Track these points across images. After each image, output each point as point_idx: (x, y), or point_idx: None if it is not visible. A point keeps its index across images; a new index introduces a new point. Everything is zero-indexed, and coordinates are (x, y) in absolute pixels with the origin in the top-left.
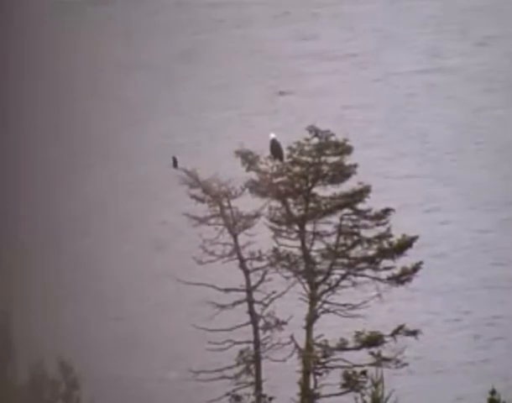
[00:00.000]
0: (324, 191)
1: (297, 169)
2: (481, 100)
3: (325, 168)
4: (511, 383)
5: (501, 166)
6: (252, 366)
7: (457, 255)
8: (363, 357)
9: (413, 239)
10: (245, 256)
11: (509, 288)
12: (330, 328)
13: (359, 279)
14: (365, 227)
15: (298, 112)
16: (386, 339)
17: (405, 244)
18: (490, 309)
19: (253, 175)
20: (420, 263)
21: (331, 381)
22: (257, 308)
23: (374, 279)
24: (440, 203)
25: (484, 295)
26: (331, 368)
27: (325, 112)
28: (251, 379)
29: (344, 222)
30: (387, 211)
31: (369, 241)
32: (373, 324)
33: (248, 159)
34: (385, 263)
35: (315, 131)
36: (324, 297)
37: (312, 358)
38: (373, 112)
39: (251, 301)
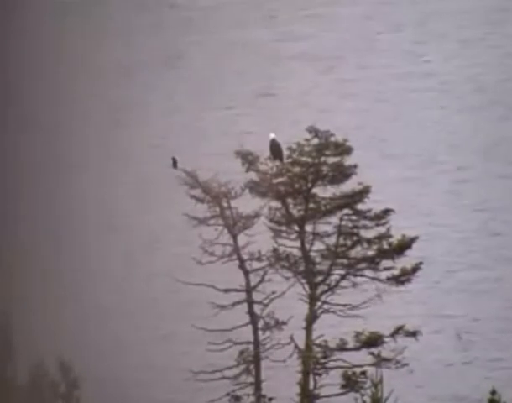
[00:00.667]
0: (324, 192)
1: (297, 169)
2: (469, 101)
3: (325, 168)
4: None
5: (488, 167)
6: (251, 366)
7: (442, 256)
8: (363, 357)
9: (413, 240)
10: (245, 256)
11: (490, 290)
12: (330, 328)
13: (359, 279)
14: (365, 227)
15: (291, 112)
16: (386, 340)
17: (405, 245)
18: (472, 311)
19: (253, 176)
20: (420, 263)
21: (330, 382)
22: (256, 308)
23: (374, 279)
24: (424, 206)
25: (466, 297)
26: (331, 368)
27: (316, 112)
28: (251, 379)
29: (344, 223)
30: (387, 212)
31: (369, 241)
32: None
33: (248, 159)
34: (385, 263)
35: (314, 131)
36: (324, 297)
37: (312, 359)
38: (361, 114)
39: (251, 302)
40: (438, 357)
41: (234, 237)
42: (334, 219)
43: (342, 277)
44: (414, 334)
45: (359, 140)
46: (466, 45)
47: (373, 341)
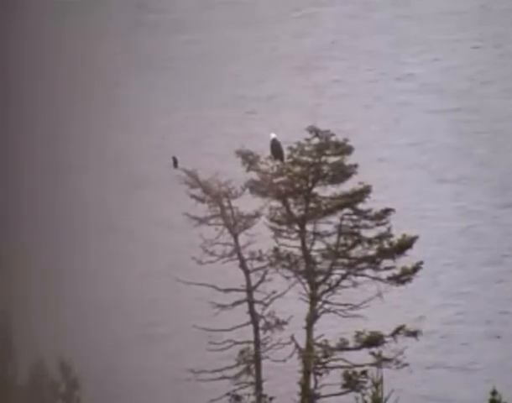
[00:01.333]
0: (324, 191)
1: (297, 169)
2: (462, 103)
3: (325, 168)
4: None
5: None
6: (252, 366)
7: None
8: (363, 357)
9: (413, 240)
10: (245, 256)
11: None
12: (330, 328)
13: (360, 279)
14: (365, 227)
15: (289, 112)
16: (386, 339)
17: (406, 244)
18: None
19: (254, 175)
20: (421, 263)
21: (331, 381)
22: (257, 308)
23: (375, 279)
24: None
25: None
26: (332, 368)
27: (312, 112)
28: (251, 379)
29: (344, 222)
30: (387, 212)
31: (370, 241)
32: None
33: (249, 159)
34: (386, 263)
35: (315, 131)
36: (324, 297)
37: (313, 358)
38: (356, 115)
39: (251, 301)
40: (431, 358)
41: (235, 236)
42: (335, 219)
43: (343, 277)
44: (414, 334)
45: (356, 140)
46: (458, 46)
47: (373, 340)
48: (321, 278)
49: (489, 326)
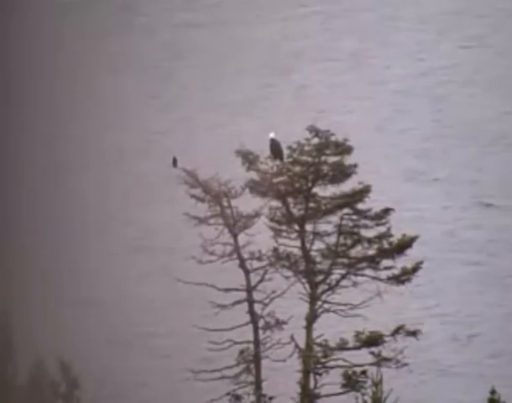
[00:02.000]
0: (324, 191)
1: (297, 168)
2: (459, 101)
3: (325, 168)
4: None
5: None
6: (252, 366)
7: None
8: (363, 357)
9: (413, 239)
10: (245, 256)
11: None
12: (330, 328)
13: (359, 278)
14: (365, 226)
15: (290, 112)
16: (386, 339)
17: (405, 244)
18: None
19: (254, 175)
20: (421, 262)
21: (331, 381)
22: (257, 308)
23: (374, 278)
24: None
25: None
26: (332, 367)
27: (313, 112)
28: (251, 378)
29: (344, 222)
30: (387, 211)
31: (369, 241)
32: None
33: (249, 158)
34: (385, 262)
35: (315, 131)
36: (324, 297)
37: (312, 358)
38: (358, 114)
39: (251, 301)
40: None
41: (235, 236)
42: (334, 218)
43: (343, 276)
44: (414, 334)
45: (358, 140)
46: (445, 46)
47: (373, 340)
48: (320, 278)
49: (474, 327)
